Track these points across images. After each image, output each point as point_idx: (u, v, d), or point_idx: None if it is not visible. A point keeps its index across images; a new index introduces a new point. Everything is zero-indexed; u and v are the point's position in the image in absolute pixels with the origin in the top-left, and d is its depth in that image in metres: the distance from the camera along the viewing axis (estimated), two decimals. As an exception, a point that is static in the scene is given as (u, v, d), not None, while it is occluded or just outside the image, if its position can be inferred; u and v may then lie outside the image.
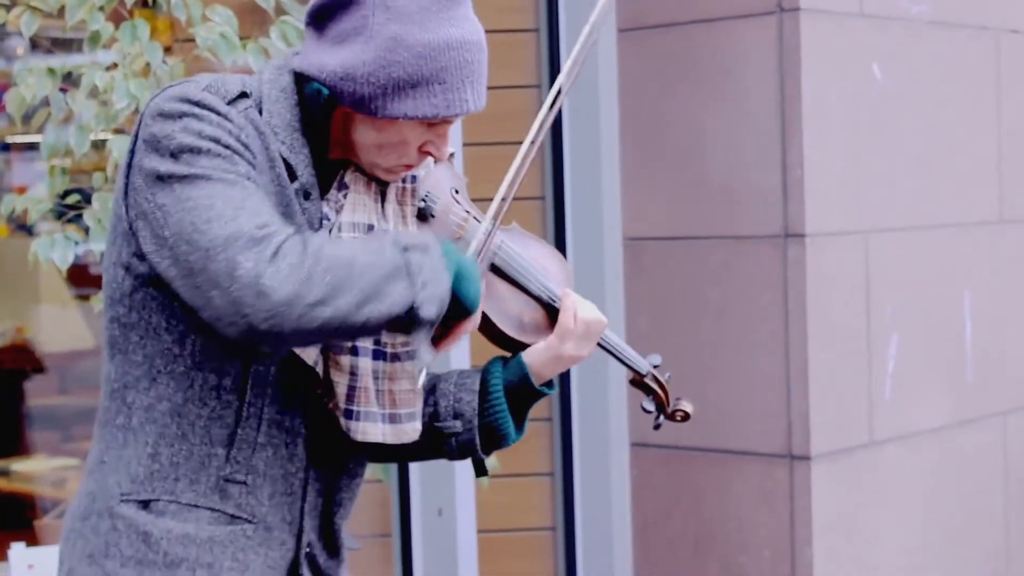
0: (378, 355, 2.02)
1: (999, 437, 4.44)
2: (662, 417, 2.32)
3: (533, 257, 2.20)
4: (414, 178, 2.09)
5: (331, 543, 2.14)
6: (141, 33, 3.42)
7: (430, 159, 2.09)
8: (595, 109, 3.97)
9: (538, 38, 3.99)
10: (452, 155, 2.16)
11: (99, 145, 3.52)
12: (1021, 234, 4.53)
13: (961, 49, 4.29)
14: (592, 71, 4.00)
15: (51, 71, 3.48)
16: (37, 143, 3.59)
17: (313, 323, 1.82)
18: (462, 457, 2.18)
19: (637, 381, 2.31)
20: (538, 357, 2.15)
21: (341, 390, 2.02)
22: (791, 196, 3.78)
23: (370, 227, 2.04)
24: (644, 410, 2.32)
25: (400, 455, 2.22)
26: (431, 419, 2.14)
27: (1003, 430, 4.46)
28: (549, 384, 2.18)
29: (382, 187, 2.07)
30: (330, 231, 2.01)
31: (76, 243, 3.42)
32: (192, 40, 3.47)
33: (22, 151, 6.84)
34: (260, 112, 1.99)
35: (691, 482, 4.00)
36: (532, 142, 2.15)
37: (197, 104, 1.92)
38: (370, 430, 2.04)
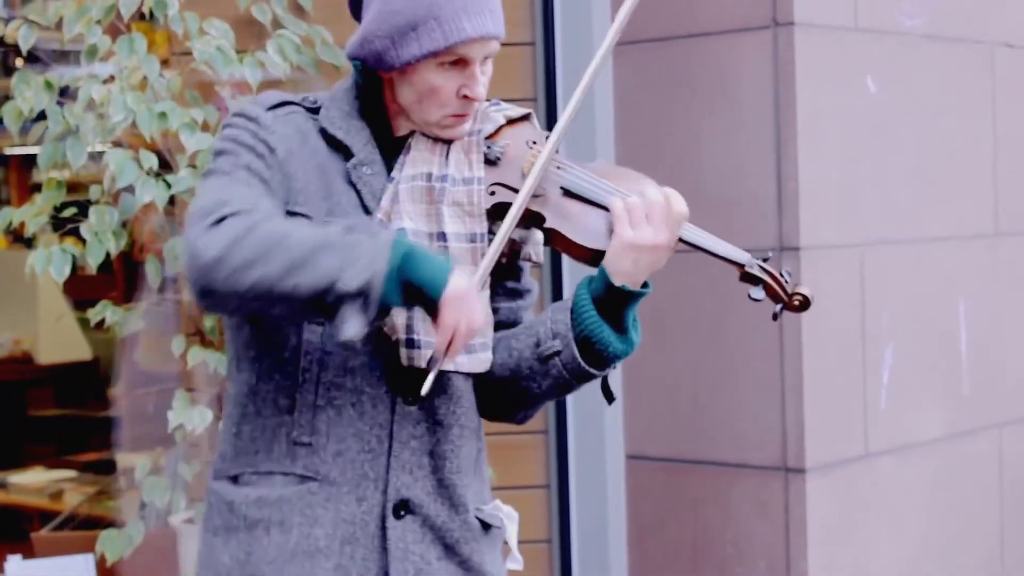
0: None
1: (995, 448, 4.45)
2: (779, 306, 2.23)
3: (606, 175, 2.23)
4: (480, 131, 2.21)
5: (450, 499, 2.20)
6: (138, 46, 3.44)
7: (496, 115, 2.23)
8: (591, 122, 3.98)
9: (534, 51, 4.01)
10: (529, 115, 2.28)
11: (96, 158, 3.53)
12: (1016, 246, 4.54)
13: (956, 62, 4.30)
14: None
15: (48, 84, 3.49)
16: (34, 155, 3.60)
17: (240, 285, 1.96)
18: (576, 381, 2.19)
19: (743, 274, 2.23)
20: (614, 253, 2.15)
21: (400, 320, 2.13)
22: (786, 209, 3.79)
23: (428, 175, 2.17)
24: (752, 299, 2.24)
25: (509, 399, 2.26)
26: (535, 347, 2.19)
27: (999, 441, 4.46)
28: (644, 284, 2.18)
29: (448, 145, 2.20)
30: (395, 187, 2.15)
31: (73, 256, 3.43)
32: (189, 53, 3.48)
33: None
34: (318, 112, 2.19)
35: (687, 494, 4.01)
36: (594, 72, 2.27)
37: (236, 114, 2.17)
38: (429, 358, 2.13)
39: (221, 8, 3.64)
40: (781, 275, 2.23)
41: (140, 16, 3.54)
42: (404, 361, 2.14)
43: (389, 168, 2.19)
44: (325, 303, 1.96)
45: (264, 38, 3.60)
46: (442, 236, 2.16)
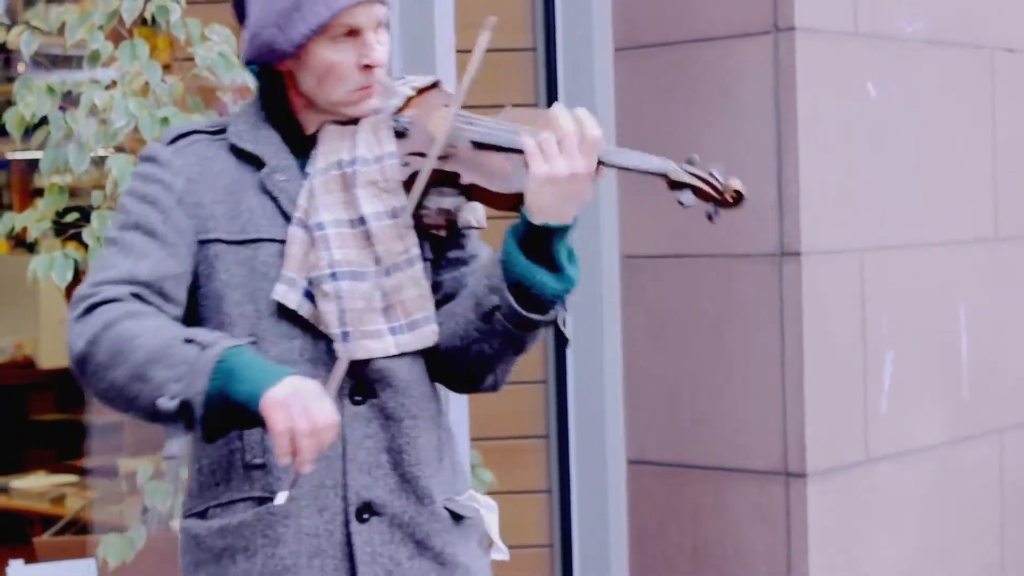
0: (381, 273, 2.13)
1: (995, 453, 4.45)
2: (711, 206, 2.11)
3: (516, 119, 2.17)
4: (387, 108, 2.18)
5: (414, 493, 2.16)
6: (140, 52, 3.44)
7: (403, 88, 2.20)
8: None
9: (535, 57, 4.01)
10: (438, 82, 2.24)
11: (98, 163, 3.53)
12: (1016, 251, 4.54)
13: (956, 67, 4.31)
14: (588, 89, 4.02)
15: (51, 89, 3.49)
16: (37, 160, 3.61)
17: (102, 382, 2.00)
18: (523, 331, 2.12)
19: (669, 183, 2.12)
20: (532, 192, 2.07)
21: (331, 317, 2.10)
22: (787, 214, 3.79)
23: (339, 163, 2.15)
24: (682, 205, 2.12)
25: (468, 367, 2.19)
26: (476, 307, 2.14)
27: (999, 446, 4.46)
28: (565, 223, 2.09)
29: (356, 128, 2.17)
30: (310, 183, 2.14)
31: (75, 261, 3.44)
32: (191, 59, 3.48)
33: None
34: (224, 133, 2.18)
35: (687, 499, 4.01)
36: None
37: (140, 157, 2.19)
38: (370, 346, 2.12)
39: (223, 14, 3.62)
40: (712, 175, 2.12)
41: (142, 22, 3.54)
42: (341, 356, 2.10)
43: (303, 171, 2.18)
44: (160, 417, 1.96)
45: (266, 44, 3.60)
46: (362, 220, 2.13)
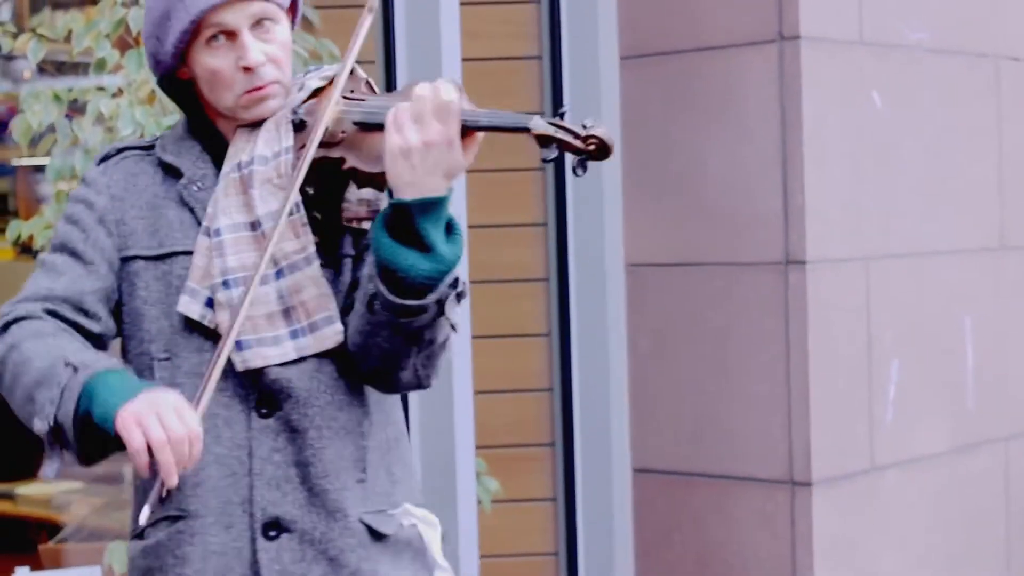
0: (280, 274, 2.06)
1: (1000, 463, 4.45)
2: (577, 158, 1.95)
3: (397, 94, 2.08)
4: (289, 102, 2.11)
5: (324, 507, 2.08)
6: (146, 60, 3.44)
7: (311, 81, 2.13)
8: (597, 136, 3.98)
9: (541, 65, 4.02)
10: (353, 70, 2.12)
11: (104, 171, 3.53)
12: (1022, 260, 4.54)
13: (961, 76, 4.31)
14: (594, 98, 4.02)
15: (57, 97, 3.50)
16: (43, 168, 3.61)
17: (11, 402, 2.02)
18: (401, 318, 1.97)
19: (536, 138, 1.96)
20: (389, 166, 1.94)
21: (227, 326, 2.03)
22: (792, 223, 3.79)
23: (239, 164, 2.10)
24: (544, 161, 1.97)
25: (379, 364, 2.06)
26: (363, 299, 2.02)
27: (1004, 456, 4.46)
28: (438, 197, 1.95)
29: (261, 127, 2.13)
30: (216, 190, 2.11)
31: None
32: (197, 67, 3.49)
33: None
34: (153, 148, 2.18)
35: (692, 507, 4.01)
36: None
37: (80, 181, 2.22)
38: (267, 353, 2.06)
39: (229, 22, 3.65)
40: (582, 126, 1.95)
41: (148, 30, 3.55)
42: (239, 367, 2.05)
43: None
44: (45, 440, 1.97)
45: (272, 52, 3.61)
46: (258, 222, 2.07)
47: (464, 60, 3.75)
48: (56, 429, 1.96)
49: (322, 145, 2.04)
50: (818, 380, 3.81)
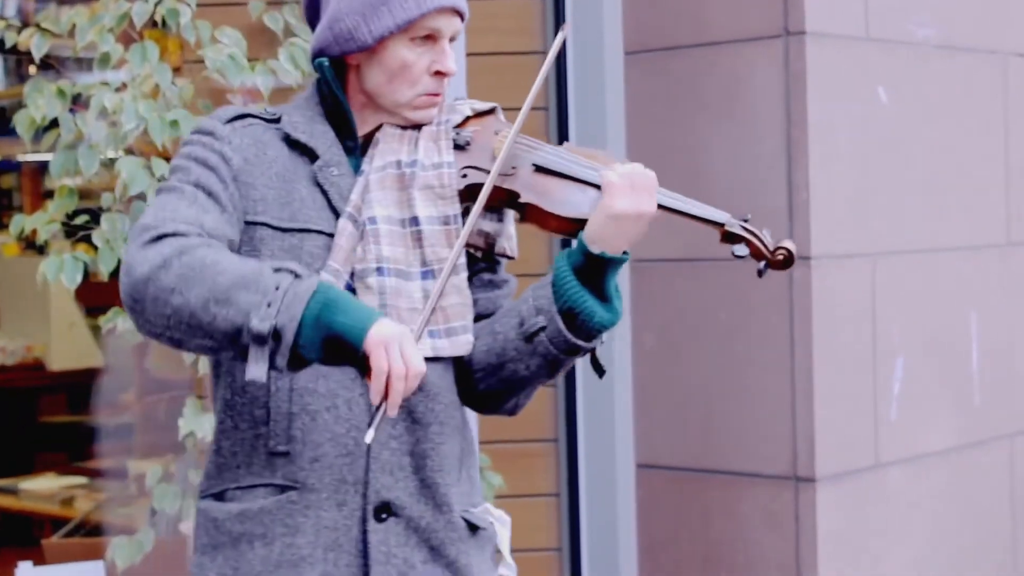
0: (426, 275, 2.15)
1: (1006, 459, 4.44)
2: (763, 263, 2.23)
3: (581, 153, 2.25)
4: (447, 121, 2.22)
5: (433, 499, 2.17)
6: (151, 54, 3.45)
7: (462, 107, 2.25)
8: (602, 131, 3.98)
9: (543, 62, 4.01)
10: (495, 108, 2.29)
11: (108, 165, 3.54)
12: (1028, 257, 4.53)
13: (968, 72, 4.30)
14: (599, 93, 4.02)
15: (61, 92, 3.50)
16: (47, 163, 3.61)
17: (166, 307, 1.95)
18: (564, 355, 2.16)
19: (724, 234, 2.23)
20: (594, 223, 2.14)
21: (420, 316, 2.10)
22: (797, 219, 3.79)
23: (398, 163, 2.18)
24: (736, 256, 2.24)
25: (497, 386, 2.22)
26: (519, 326, 2.17)
27: (1010, 452, 4.45)
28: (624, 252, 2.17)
29: (417, 134, 2.21)
30: (365, 180, 2.16)
31: (85, 263, 3.44)
32: (201, 61, 3.49)
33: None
34: (278, 122, 2.19)
35: (697, 503, 4.00)
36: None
37: (195, 130, 2.19)
38: None
39: (233, 16, 3.65)
40: (762, 234, 2.23)
41: (152, 24, 3.55)
42: None
43: (355, 169, 2.20)
44: (239, 341, 1.93)
45: (276, 46, 3.61)
46: (415, 221, 2.16)
47: (468, 55, 3.75)
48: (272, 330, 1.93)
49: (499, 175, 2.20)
50: (823, 376, 3.81)
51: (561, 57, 3.99)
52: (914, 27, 4.11)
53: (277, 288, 1.93)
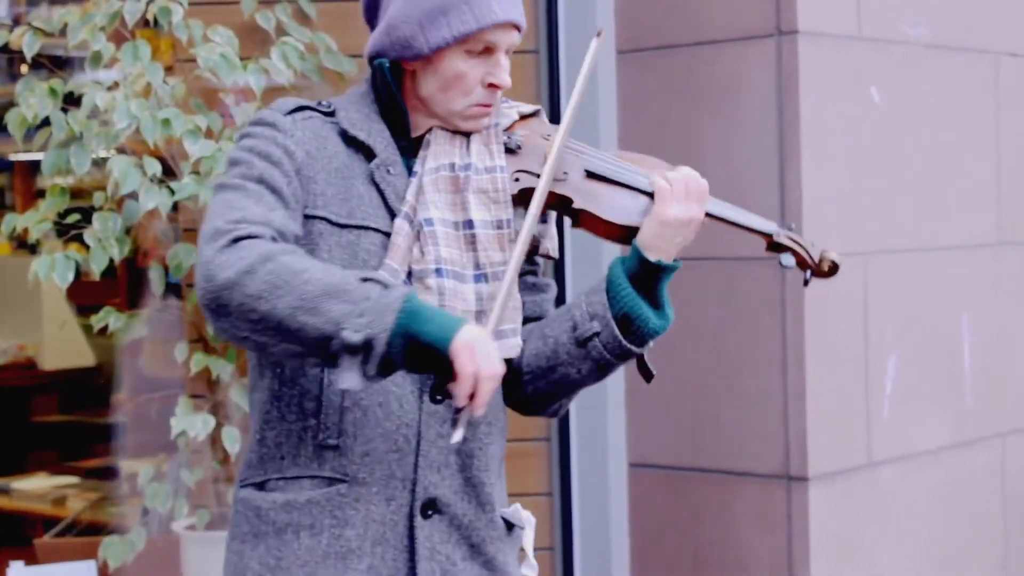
0: (479, 278, 2.18)
1: (998, 458, 4.45)
2: (809, 272, 2.29)
3: (629, 159, 2.30)
4: (497, 124, 2.25)
5: (476, 498, 2.21)
6: (142, 53, 3.44)
7: (509, 111, 2.27)
8: (594, 130, 3.98)
9: (538, 60, 4.01)
10: (539, 111, 2.33)
11: (100, 164, 3.54)
12: (1019, 256, 4.54)
13: (960, 72, 4.30)
14: (591, 92, 4.01)
15: (52, 91, 3.49)
16: (39, 161, 3.61)
17: (252, 314, 1.96)
18: (616, 360, 2.21)
19: (770, 243, 2.29)
20: (648, 230, 2.19)
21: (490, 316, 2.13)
22: (789, 218, 3.79)
23: (452, 165, 2.20)
24: (783, 267, 2.30)
25: (545, 389, 2.26)
26: (571, 331, 2.21)
27: (1002, 451, 4.46)
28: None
29: (468, 137, 2.23)
30: (419, 180, 2.18)
31: (77, 262, 3.44)
32: (193, 60, 3.49)
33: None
34: (333, 116, 2.20)
35: (689, 502, 4.00)
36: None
37: (254, 122, 2.18)
38: None
39: (225, 15, 3.64)
40: (808, 245, 2.30)
41: (144, 23, 3.55)
42: None
43: (408, 169, 2.21)
44: (328, 350, 1.95)
45: (268, 45, 3.61)
46: (469, 224, 2.18)
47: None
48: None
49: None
50: (815, 375, 3.81)
51: (554, 55, 4.00)
52: (907, 27, 4.11)
53: (367, 299, 1.95)
